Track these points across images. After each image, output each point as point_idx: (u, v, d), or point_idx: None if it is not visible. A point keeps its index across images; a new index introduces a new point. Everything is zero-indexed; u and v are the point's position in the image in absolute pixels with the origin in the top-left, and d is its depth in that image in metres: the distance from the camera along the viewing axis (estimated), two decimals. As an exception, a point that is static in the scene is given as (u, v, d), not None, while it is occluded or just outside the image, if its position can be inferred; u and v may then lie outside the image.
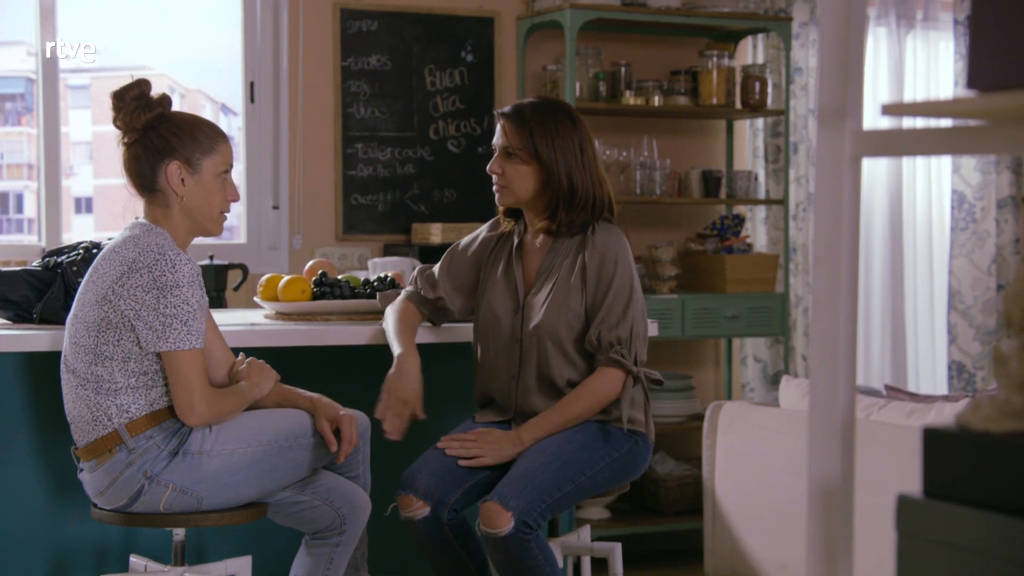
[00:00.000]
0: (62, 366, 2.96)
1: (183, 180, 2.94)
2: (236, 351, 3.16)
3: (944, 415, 3.42)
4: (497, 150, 3.27)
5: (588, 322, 3.19)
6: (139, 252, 2.87)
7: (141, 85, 2.96)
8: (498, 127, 3.28)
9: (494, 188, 3.27)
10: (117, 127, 2.97)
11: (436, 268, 3.40)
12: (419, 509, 3.10)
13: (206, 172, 2.97)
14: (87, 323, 2.90)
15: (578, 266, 3.19)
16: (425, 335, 3.40)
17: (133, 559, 3.17)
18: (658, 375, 3.26)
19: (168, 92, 3.02)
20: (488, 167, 3.27)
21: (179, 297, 2.83)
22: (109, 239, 3.54)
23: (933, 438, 1.47)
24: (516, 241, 3.32)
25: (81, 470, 2.97)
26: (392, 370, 3.20)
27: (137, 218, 3.00)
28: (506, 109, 3.28)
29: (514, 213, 3.35)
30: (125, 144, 2.97)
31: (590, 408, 3.17)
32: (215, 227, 3.02)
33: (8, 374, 3.30)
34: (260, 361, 3.10)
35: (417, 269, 3.44)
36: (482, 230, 3.42)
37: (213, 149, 2.98)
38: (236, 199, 3.04)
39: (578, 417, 3.18)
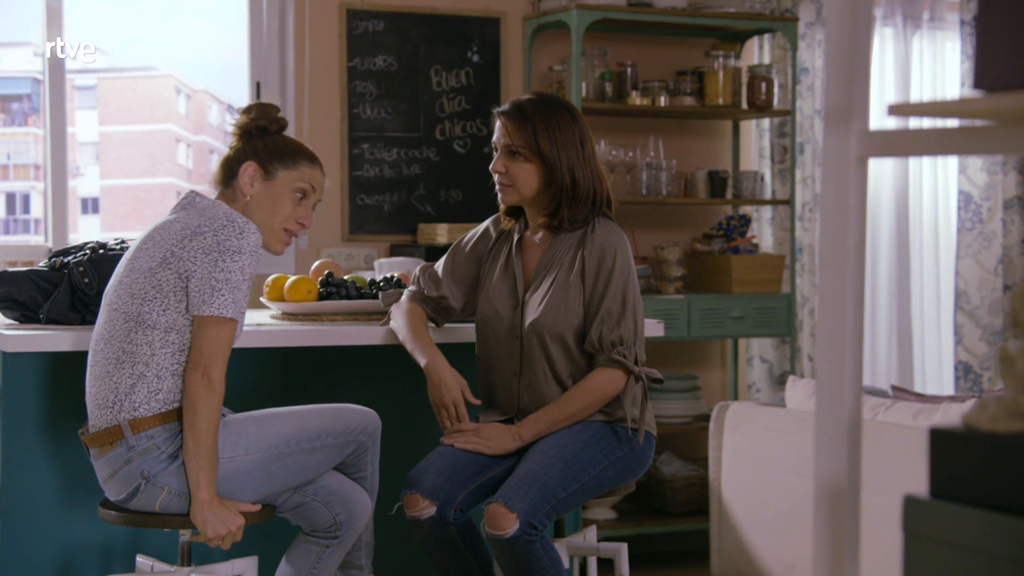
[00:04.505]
0: (92, 344, 2.94)
1: (253, 182, 2.99)
2: (239, 351, 3.15)
3: (950, 416, 3.42)
4: (499, 149, 3.25)
5: (587, 318, 3.18)
6: (205, 219, 2.88)
7: (275, 110, 3.09)
8: (497, 125, 3.26)
9: (497, 188, 3.26)
10: (232, 132, 3.08)
11: (439, 266, 3.39)
12: (425, 509, 3.09)
13: (279, 182, 3.01)
14: (133, 290, 2.87)
15: (578, 262, 3.19)
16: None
17: (139, 559, 3.17)
18: (658, 374, 3.24)
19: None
20: (491, 166, 3.26)
21: (237, 263, 2.82)
22: (116, 239, 3.53)
23: (940, 439, 1.47)
24: (516, 238, 3.32)
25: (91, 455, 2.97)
26: (428, 384, 3.21)
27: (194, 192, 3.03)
28: (505, 107, 3.27)
29: (515, 211, 3.34)
30: (231, 146, 3.08)
31: (590, 405, 3.16)
32: (274, 242, 3.02)
33: (17, 374, 3.31)
34: (233, 513, 2.88)
35: (419, 268, 3.43)
36: (484, 226, 3.41)
37: (294, 165, 3.04)
38: (307, 224, 3.05)
39: (578, 414, 3.16)
